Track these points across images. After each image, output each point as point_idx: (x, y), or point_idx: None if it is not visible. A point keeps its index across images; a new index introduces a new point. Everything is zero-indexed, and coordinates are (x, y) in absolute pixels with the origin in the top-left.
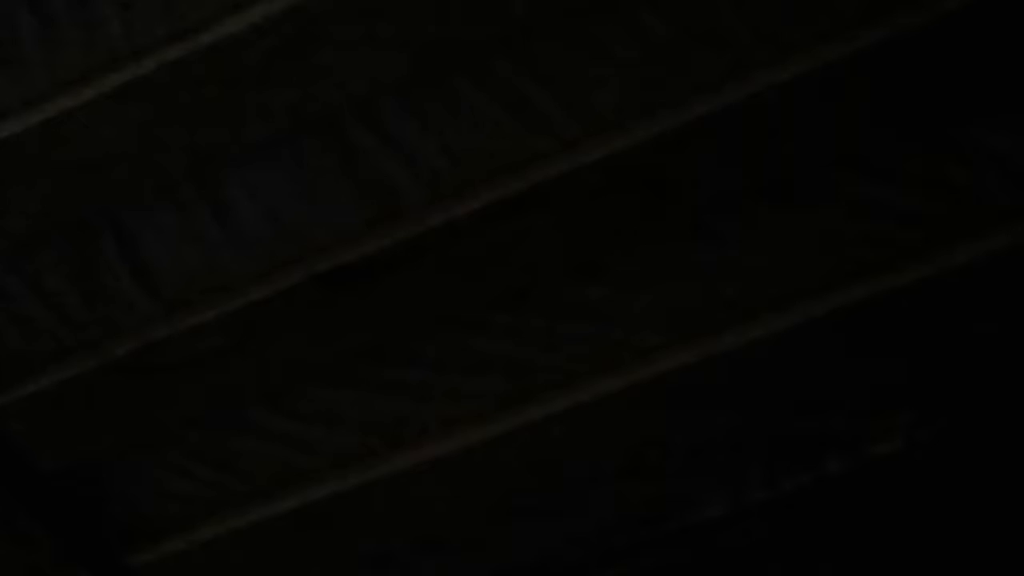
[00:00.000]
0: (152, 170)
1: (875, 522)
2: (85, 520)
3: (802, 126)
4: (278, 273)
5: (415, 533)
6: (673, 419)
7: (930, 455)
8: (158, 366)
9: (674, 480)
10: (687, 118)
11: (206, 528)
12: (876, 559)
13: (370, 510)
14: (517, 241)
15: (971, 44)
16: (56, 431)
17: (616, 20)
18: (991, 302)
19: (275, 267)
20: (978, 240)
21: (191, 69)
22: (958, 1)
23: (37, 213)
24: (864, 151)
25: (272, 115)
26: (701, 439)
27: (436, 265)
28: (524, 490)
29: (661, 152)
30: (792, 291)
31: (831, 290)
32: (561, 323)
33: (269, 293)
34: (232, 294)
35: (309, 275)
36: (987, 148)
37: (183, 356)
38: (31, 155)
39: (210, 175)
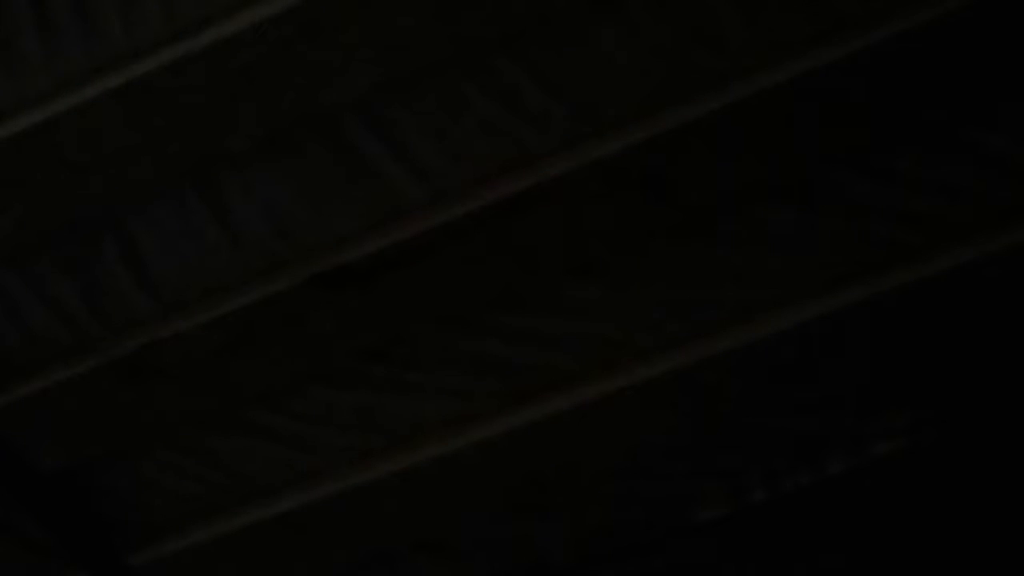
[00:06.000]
0: (152, 170)
1: (875, 522)
2: (85, 520)
3: (802, 126)
4: (278, 273)
5: (415, 533)
6: (673, 419)
7: (930, 455)
8: (158, 366)
9: (674, 480)
10: (687, 118)
11: (206, 528)
12: (876, 558)
13: (370, 510)
14: (517, 241)
15: (972, 44)
16: (56, 431)
17: (616, 20)
18: (991, 302)
19: (275, 267)
20: (978, 240)
21: (191, 69)
22: (958, 1)
23: (37, 213)
24: (864, 151)
25: (272, 115)
26: (701, 439)
27: (436, 265)
28: (524, 490)
29: (661, 152)
30: (792, 291)
31: (831, 290)
32: (561, 323)
33: (269, 293)
34: (232, 294)
35: (309, 275)
36: (987, 148)
37: (183, 356)
38: (31, 155)
39: (210, 175)
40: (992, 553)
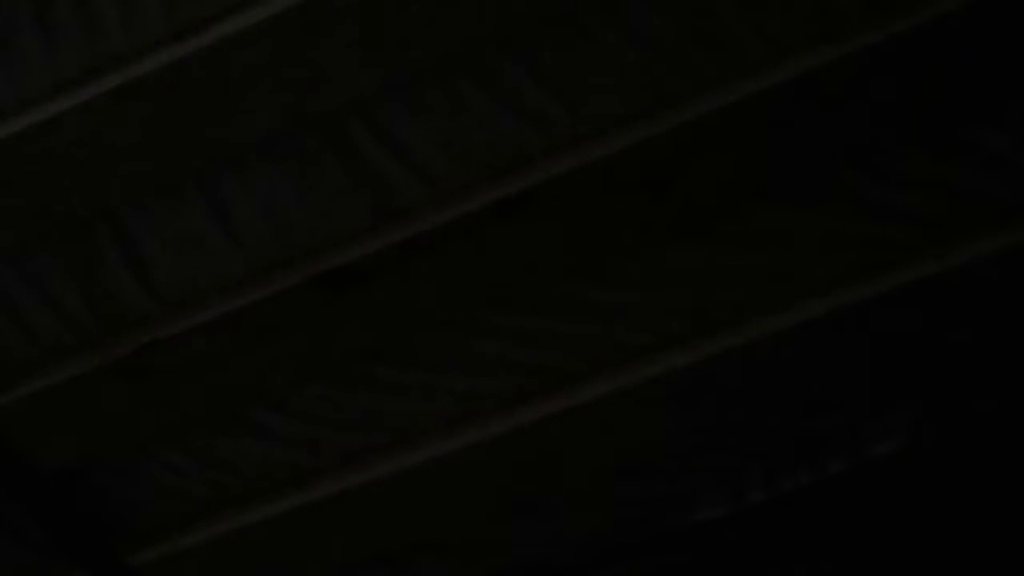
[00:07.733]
0: (152, 170)
1: (875, 522)
2: (85, 520)
3: (802, 126)
4: (278, 273)
5: (415, 533)
6: (673, 419)
7: (930, 455)
8: (158, 366)
9: (674, 480)
10: (687, 118)
11: (206, 528)
12: (876, 559)
13: (370, 510)
14: (517, 241)
15: (972, 44)
16: (56, 431)
17: (616, 20)
18: (991, 302)
19: (275, 267)
20: (978, 240)
21: (191, 69)
22: (958, 1)
23: (37, 213)
24: (864, 151)
25: (272, 115)
26: (701, 439)
27: (436, 265)
28: (524, 490)
29: (661, 152)
30: (792, 291)
31: (831, 290)
32: (561, 323)
33: (269, 293)
34: (232, 294)
35: (309, 275)
36: (987, 148)
37: (183, 356)
38: (31, 155)
39: (210, 175)
40: (992, 553)
